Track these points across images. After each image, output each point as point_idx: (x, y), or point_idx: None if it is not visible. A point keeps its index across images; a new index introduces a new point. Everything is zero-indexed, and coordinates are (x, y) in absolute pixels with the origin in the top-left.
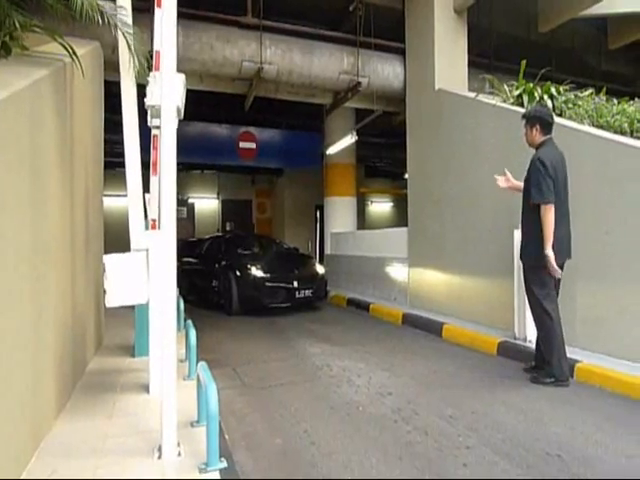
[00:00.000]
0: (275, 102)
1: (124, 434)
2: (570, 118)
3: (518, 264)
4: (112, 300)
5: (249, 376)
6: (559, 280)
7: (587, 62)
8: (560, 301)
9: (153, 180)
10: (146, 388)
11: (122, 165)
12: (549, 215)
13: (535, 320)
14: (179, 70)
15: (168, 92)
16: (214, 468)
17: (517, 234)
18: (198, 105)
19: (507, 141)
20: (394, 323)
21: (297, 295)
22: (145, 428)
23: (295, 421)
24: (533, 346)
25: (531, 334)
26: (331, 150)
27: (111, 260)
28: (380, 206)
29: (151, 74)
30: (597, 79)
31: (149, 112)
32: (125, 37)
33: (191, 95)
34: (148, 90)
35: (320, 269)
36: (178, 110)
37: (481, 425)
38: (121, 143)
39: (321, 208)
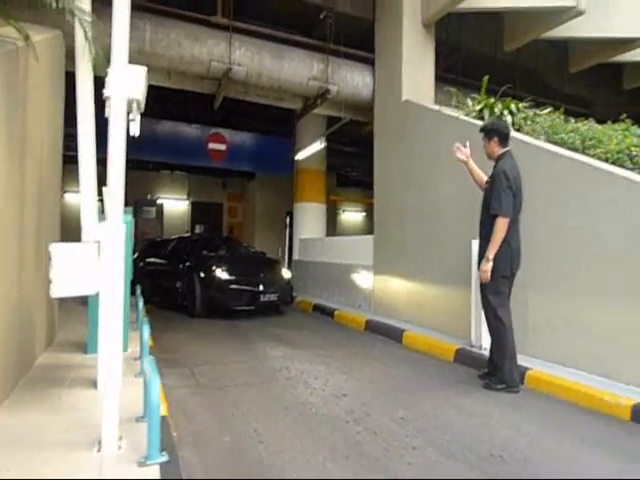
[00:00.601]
0: (247, 105)
1: (67, 428)
2: (527, 134)
3: (476, 273)
4: (57, 290)
5: (205, 376)
6: (510, 291)
7: (550, 84)
8: (513, 310)
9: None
10: (95, 384)
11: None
12: (503, 228)
13: (489, 328)
14: (146, 65)
15: (118, 83)
16: (154, 462)
17: (475, 244)
18: (167, 103)
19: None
20: (357, 329)
21: (262, 299)
22: (89, 423)
23: (246, 420)
24: (488, 353)
25: (486, 342)
26: (300, 156)
27: (57, 249)
28: (352, 215)
29: (111, 66)
30: (558, 100)
31: (107, 103)
32: (81, 24)
33: (160, 93)
34: (107, 81)
35: (286, 274)
36: (138, 103)
37: (430, 427)
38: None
39: (292, 214)
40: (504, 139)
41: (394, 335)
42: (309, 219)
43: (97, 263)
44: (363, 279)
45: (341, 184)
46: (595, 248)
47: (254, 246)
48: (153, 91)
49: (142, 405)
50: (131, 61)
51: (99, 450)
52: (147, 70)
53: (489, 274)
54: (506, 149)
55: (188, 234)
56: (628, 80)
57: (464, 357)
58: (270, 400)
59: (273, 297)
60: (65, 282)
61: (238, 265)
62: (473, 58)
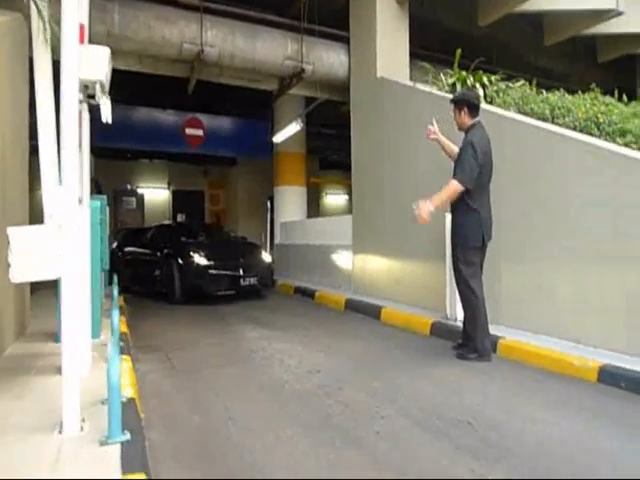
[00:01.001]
0: (224, 89)
1: (30, 413)
2: (499, 106)
3: (450, 247)
4: (16, 275)
5: (180, 360)
6: (483, 262)
7: (526, 58)
8: (486, 281)
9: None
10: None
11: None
12: (453, 190)
13: (461, 298)
14: (115, 48)
15: (68, 63)
16: (115, 441)
17: (449, 218)
18: (143, 89)
19: (442, 127)
20: (337, 309)
21: (242, 283)
22: (53, 407)
23: (218, 400)
24: (462, 325)
25: (461, 314)
26: (278, 138)
27: (15, 232)
28: (335, 198)
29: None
30: (534, 74)
31: None
32: (35, 2)
33: (135, 79)
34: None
35: (267, 257)
36: (102, 85)
37: (401, 397)
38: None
39: (272, 198)
40: (474, 110)
41: (373, 312)
42: (290, 202)
43: (57, 247)
44: (343, 259)
45: (323, 167)
46: (562, 218)
47: (236, 232)
48: (127, 77)
49: None
50: (99, 44)
51: (60, 432)
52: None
53: (425, 216)
54: (476, 120)
55: (167, 222)
56: (602, 53)
57: (440, 330)
58: (244, 380)
59: (253, 281)
60: (24, 266)
61: (217, 250)
62: (449, 34)
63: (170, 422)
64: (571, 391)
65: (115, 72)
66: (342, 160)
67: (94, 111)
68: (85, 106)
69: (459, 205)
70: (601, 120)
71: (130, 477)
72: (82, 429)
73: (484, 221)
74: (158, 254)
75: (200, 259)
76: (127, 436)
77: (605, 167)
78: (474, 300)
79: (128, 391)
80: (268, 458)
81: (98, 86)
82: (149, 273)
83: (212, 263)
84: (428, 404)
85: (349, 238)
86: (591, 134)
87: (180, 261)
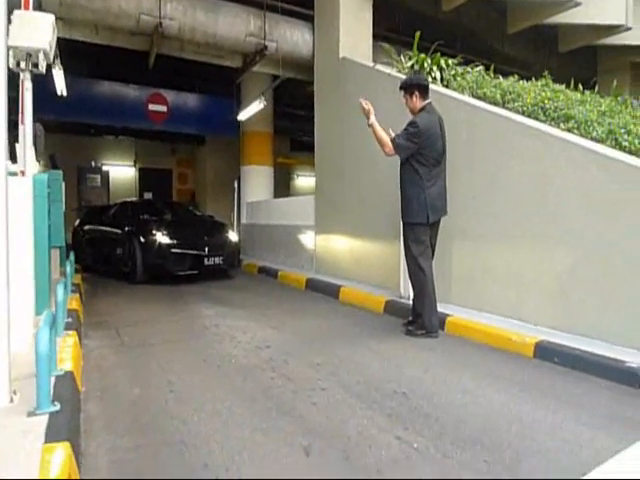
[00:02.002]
0: (190, 65)
1: None
2: (455, 89)
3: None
4: None
5: (131, 336)
6: (435, 240)
7: (490, 44)
8: (437, 260)
9: (21, 129)
10: None
11: None
12: (386, 141)
13: (410, 276)
14: (68, 18)
15: None
16: (43, 411)
17: None
18: (106, 64)
19: (399, 107)
20: (299, 288)
21: (206, 262)
22: None
23: (162, 374)
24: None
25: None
26: (242, 116)
27: None
28: (306, 180)
29: (15, 13)
30: (498, 61)
31: (11, 53)
32: None
33: (98, 52)
34: (11, 29)
35: (233, 236)
36: (46, 54)
37: (343, 370)
38: None
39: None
40: (424, 91)
41: (332, 292)
42: (256, 182)
43: None
44: (306, 239)
45: (295, 148)
46: (506, 198)
47: (203, 210)
48: (90, 49)
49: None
50: (50, 12)
51: None
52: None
53: (366, 107)
54: (427, 101)
55: (131, 199)
56: (562, 43)
57: (393, 308)
58: (191, 354)
59: (218, 260)
60: None
61: (181, 229)
62: (415, 17)
63: (109, 395)
64: (507, 365)
65: (75, 43)
66: (313, 141)
67: (50, 84)
68: (28, 75)
69: (404, 182)
70: (548, 106)
71: (53, 446)
72: (12, 400)
73: (430, 199)
74: (120, 232)
75: (163, 238)
76: (57, 407)
77: (546, 150)
78: (422, 278)
79: (67, 365)
80: (201, 428)
81: (41, 55)
82: (111, 252)
83: (175, 242)
84: (368, 377)
85: (312, 218)
86: (537, 119)
87: (142, 239)
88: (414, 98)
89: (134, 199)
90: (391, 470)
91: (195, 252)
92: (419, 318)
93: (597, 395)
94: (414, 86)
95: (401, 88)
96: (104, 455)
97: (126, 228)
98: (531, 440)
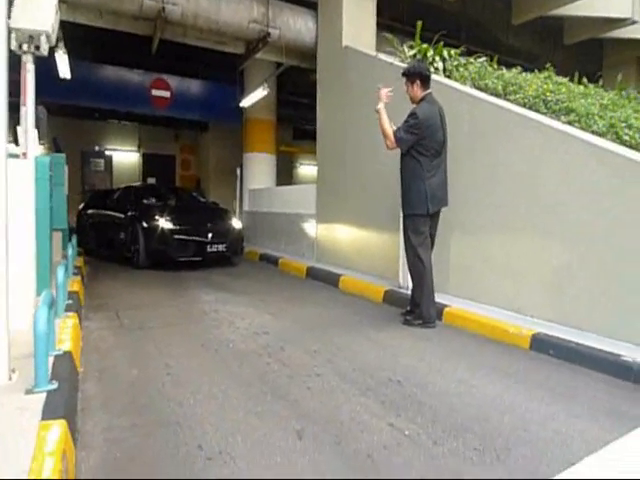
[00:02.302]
0: (194, 51)
1: None
2: (457, 80)
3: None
4: None
5: (130, 319)
6: (434, 231)
7: (496, 36)
8: (436, 251)
9: (23, 111)
10: None
11: None
12: (389, 133)
13: (409, 267)
14: (74, 2)
15: None
16: (41, 389)
17: None
18: (111, 49)
19: (401, 97)
20: (299, 276)
21: (209, 249)
22: None
23: (160, 357)
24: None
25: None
26: (245, 103)
27: None
28: (309, 168)
29: None
30: (504, 53)
31: (13, 35)
32: None
33: (103, 37)
34: (13, 11)
35: (237, 223)
36: (48, 37)
37: (340, 358)
38: None
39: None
40: (426, 81)
41: (332, 280)
42: (259, 170)
43: None
44: (307, 227)
45: (298, 137)
46: (506, 190)
47: (206, 197)
48: (95, 34)
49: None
50: None
51: None
52: (69, 5)
53: (381, 95)
54: (428, 91)
55: (135, 184)
56: (568, 35)
57: (392, 298)
58: (190, 338)
59: (221, 247)
60: None
61: (184, 215)
62: (420, 7)
63: (107, 375)
64: (503, 357)
65: (79, 27)
66: (316, 130)
67: (54, 67)
68: (30, 57)
69: (405, 172)
70: (549, 98)
71: (49, 423)
72: (10, 378)
73: (430, 190)
74: (123, 217)
75: (166, 223)
76: (54, 385)
77: (546, 142)
78: (421, 268)
79: (66, 345)
80: (196, 410)
81: (44, 37)
82: (114, 236)
83: (178, 228)
84: (364, 365)
85: (313, 207)
86: (539, 111)
87: (145, 224)
88: (415, 87)
89: (138, 184)
90: (381, 455)
91: (198, 238)
92: (417, 308)
93: (591, 388)
94: (416, 75)
95: (403, 75)
96: (100, 433)
97: (129, 213)
98: (523, 430)
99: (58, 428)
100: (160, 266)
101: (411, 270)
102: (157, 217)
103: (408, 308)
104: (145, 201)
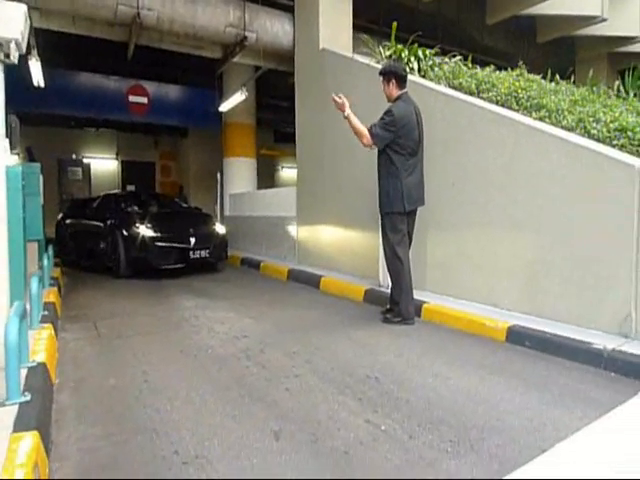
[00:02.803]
0: (171, 56)
1: None
2: (431, 79)
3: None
4: None
5: (108, 328)
6: (412, 229)
7: (471, 36)
8: (413, 249)
9: None
10: None
11: None
12: (361, 131)
13: (388, 265)
14: (45, 8)
15: None
16: (13, 402)
17: None
18: (86, 55)
19: (377, 97)
20: (280, 279)
21: (192, 256)
22: None
23: (138, 365)
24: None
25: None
26: (223, 107)
27: None
28: (291, 171)
29: None
30: (479, 53)
31: None
32: None
33: (78, 43)
34: None
35: (220, 229)
36: (18, 45)
37: (318, 358)
38: None
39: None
40: (402, 80)
41: (313, 282)
42: (239, 174)
43: None
44: (288, 230)
45: (279, 140)
46: (479, 186)
47: (189, 202)
48: (69, 40)
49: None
50: (25, 2)
51: None
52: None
53: (339, 101)
54: (403, 91)
55: (115, 191)
56: (540, 33)
57: (372, 297)
58: (168, 345)
59: (204, 254)
60: None
61: (165, 221)
62: (395, 9)
63: (83, 386)
64: (479, 350)
65: (53, 34)
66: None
67: (27, 76)
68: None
69: (381, 172)
70: (520, 95)
71: (21, 435)
72: None
73: (407, 188)
74: (103, 225)
75: (146, 230)
76: (27, 397)
77: (518, 138)
78: (399, 266)
79: (40, 356)
80: (173, 416)
81: (13, 45)
82: (94, 246)
83: (159, 235)
84: (342, 363)
85: (294, 209)
86: (511, 108)
87: (125, 232)
88: (391, 85)
89: (118, 191)
90: (357, 451)
91: (180, 245)
92: (396, 306)
93: (564, 376)
94: (391, 73)
95: (380, 74)
96: (74, 443)
97: (109, 221)
98: (496, 420)
99: (30, 439)
100: (141, 275)
101: (389, 268)
102: (137, 224)
103: (388, 306)
104: (125, 208)
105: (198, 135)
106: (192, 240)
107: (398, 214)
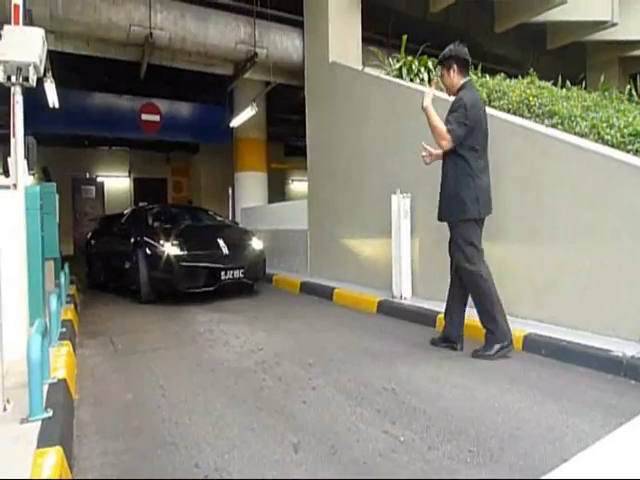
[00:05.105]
0: (182, 74)
1: None
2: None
3: (398, 224)
4: None
5: (124, 344)
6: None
7: (480, 45)
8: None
9: (12, 142)
10: None
11: None
12: (440, 130)
13: (467, 287)
14: (60, 32)
15: None
16: (36, 418)
17: (395, 198)
18: (100, 75)
19: (387, 109)
20: (293, 292)
21: (223, 277)
22: None
23: (155, 379)
24: (408, 303)
25: (407, 292)
26: (234, 122)
27: None
28: (301, 184)
29: (4, 28)
30: (489, 61)
31: (2, 67)
32: None
33: (91, 63)
34: (1, 44)
35: (257, 244)
36: (36, 68)
37: (335, 370)
38: None
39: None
40: (465, 66)
41: (326, 294)
42: (251, 188)
43: None
44: (300, 243)
45: (289, 153)
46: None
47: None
48: (83, 62)
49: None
50: (42, 26)
51: None
52: (56, 35)
53: (427, 99)
54: (467, 79)
55: (144, 205)
56: (550, 40)
57: (386, 308)
58: (184, 360)
59: (238, 274)
60: None
61: (194, 237)
62: (403, 21)
63: (102, 400)
64: (496, 360)
65: (67, 56)
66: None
67: (43, 97)
68: (18, 89)
69: (452, 172)
70: (532, 102)
71: (45, 450)
72: (5, 409)
73: (481, 191)
74: (128, 243)
75: (171, 248)
76: (49, 413)
77: (534, 146)
78: (482, 284)
79: (61, 372)
80: (192, 429)
81: (32, 68)
82: (120, 266)
83: (186, 253)
84: (359, 375)
85: (305, 222)
86: (522, 116)
87: (148, 251)
88: (452, 73)
89: (148, 205)
90: (377, 462)
91: (210, 265)
92: (491, 334)
93: (582, 384)
94: (452, 58)
95: (439, 62)
96: (96, 458)
97: (132, 238)
98: (516, 429)
99: (54, 455)
100: (167, 299)
101: (471, 291)
102: (162, 242)
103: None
104: (152, 224)
105: (209, 150)
106: (224, 258)
107: (472, 221)
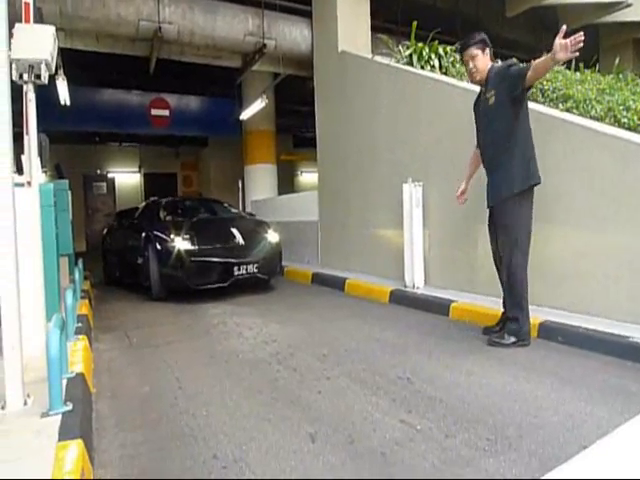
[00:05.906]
0: (191, 67)
1: None
2: (453, 76)
3: (410, 213)
4: None
5: (139, 337)
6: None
7: (492, 30)
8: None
9: (26, 140)
10: None
11: None
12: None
13: (511, 271)
14: (69, 28)
15: None
16: (56, 412)
17: (406, 187)
18: (109, 71)
19: (398, 96)
20: (305, 283)
21: (236, 272)
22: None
23: (170, 371)
24: (420, 292)
25: (419, 281)
26: (244, 115)
27: None
28: (310, 176)
29: (16, 26)
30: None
31: (14, 65)
32: None
33: (100, 59)
34: (13, 42)
35: (273, 237)
36: (48, 65)
37: (349, 360)
38: None
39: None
40: (490, 50)
41: (338, 285)
42: (260, 181)
43: None
44: (310, 234)
45: (298, 145)
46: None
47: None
48: (92, 58)
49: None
50: (52, 24)
51: (3, 407)
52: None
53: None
54: (492, 64)
55: (157, 198)
56: (562, 23)
57: (398, 297)
58: (199, 352)
59: (252, 269)
60: None
61: (207, 231)
62: (412, 8)
63: (120, 394)
64: (512, 347)
65: (77, 53)
66: (316, 137)
67: (54, 94)
68: (31, 87)
69: (503, 149)
70: (546, 87)
71: (66, 443)
72: (26, 403)
73: (530, 163)
74: (140, 238)
75: (181, 243)
76: (69, 407)
77: (550, 131)
78: (523, 274)
79: (78, 367)
80: (209, 421)
81: (43, 66)
82: (133, 262)
83: (197, 248)
84: (373, 365)
85: (316, 213)
86: (536, 101)
87: (158, 246)
88: (485, 56)
89: (162, 198)
90: (394, 451)
91: (222, 259)
92: (514, 323)
93: (601, 371)
94: (483, 42)
95: (466, 47)
96: (115, 450)
97: (143, 233)
98: (534, 417)
99: (75, 448)
100: (179, 295)
101: (513, 277)
102: (172, 236)
103: (497, 326)
104: (164, 217)
105: (218, 144)
106: (237, 252)
107: (531, 192)
